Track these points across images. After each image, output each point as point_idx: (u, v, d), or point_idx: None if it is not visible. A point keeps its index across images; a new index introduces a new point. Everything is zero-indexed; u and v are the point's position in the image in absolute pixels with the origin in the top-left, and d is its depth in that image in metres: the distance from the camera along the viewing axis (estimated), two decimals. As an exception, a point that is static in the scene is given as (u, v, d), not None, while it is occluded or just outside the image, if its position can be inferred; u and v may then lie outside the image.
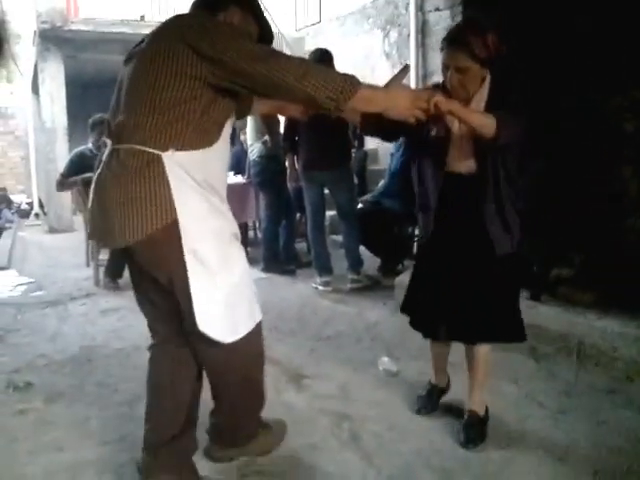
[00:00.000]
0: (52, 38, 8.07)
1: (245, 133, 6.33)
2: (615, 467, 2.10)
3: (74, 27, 7.95)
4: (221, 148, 1.81)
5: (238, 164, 5.93)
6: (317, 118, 2.20)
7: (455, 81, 2.12)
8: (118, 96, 1.86)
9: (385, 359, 3.05)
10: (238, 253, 1.88)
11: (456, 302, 2.28)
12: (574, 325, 3.01)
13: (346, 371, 2.99)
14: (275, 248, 5.17)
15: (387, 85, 1.93)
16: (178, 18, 1.82)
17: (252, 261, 5.58)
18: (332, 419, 2.48)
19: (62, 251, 6.66)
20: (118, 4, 8.29)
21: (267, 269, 5.09)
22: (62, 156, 7.82)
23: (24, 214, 10.23)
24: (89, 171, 4.92)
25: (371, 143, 6.99)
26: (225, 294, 1.79)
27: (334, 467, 2.14)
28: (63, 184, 5.19)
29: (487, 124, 2.01)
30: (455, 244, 2.27)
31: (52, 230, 8.48)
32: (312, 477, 2.09)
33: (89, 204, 1.87)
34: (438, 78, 6.14)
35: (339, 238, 4.85)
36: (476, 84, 2.14)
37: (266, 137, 5.00)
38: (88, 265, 5.36)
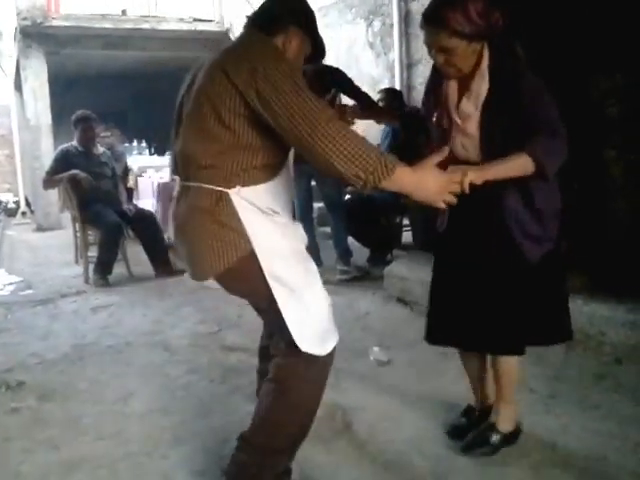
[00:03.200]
0: (33, 35, 8.00)
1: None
2: (606, 451, 2.12)
3: (55, 23, 7.89)
4: (283, 178, 1.83)
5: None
6: None
7: (442, 61, 1.89)
8: (177, 126, 1.86)
9: (376, 349, 3.08)
10: (314, 269, 1.88)
11: (474, 308, 2.03)
12: (562, 310, 3.05)
13: (337, 361, 2.93)
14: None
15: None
16: (244, 52, 1.71)
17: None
18: (325, 409, 2.47)
19: (50, 249, 6.64)
20: (99, -1, 8.22)
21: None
22: (47, 153, 7.78)
23: (11, 213, 10.16)
24: (74, 168, 4.95)
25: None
26: (315, 310, 1.81)
27: (328, 457, 2.16)
28: (49, 182, 5.16)
29: (521, 167, 1.81)
30: (472, 243, 2.04)
31: (40, 228, 8.44)
32: (306, 467, 2.10)
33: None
34: (423, 67, 6.22)
35: (328, 230, 4.86)
36: (468, 60, 1.89)
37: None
38: (77, 262, 5.34)
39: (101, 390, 2.79)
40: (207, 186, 1.74)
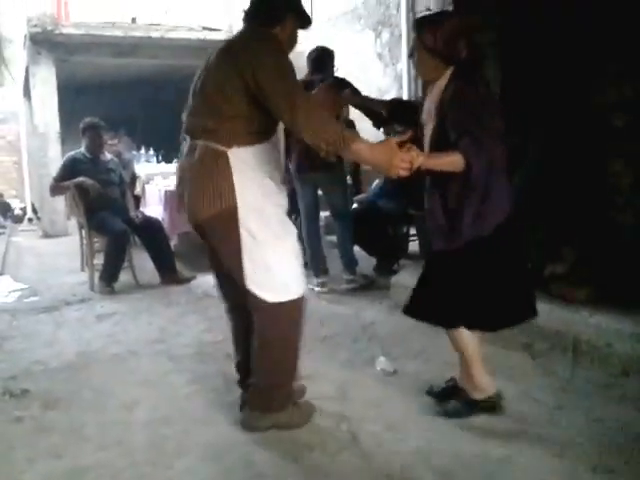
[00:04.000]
0: (43, 42, 8.04)
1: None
2: (613, 463, 2.10)
3: (65, 31, 7.92)
4: (272, 142, 2.28)
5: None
6: None
7: (414, 60, 2.39)
8: (192, 98, 2.31)
9: (382, 359, 3.06)
10: (290, 231, 2.33)
11: (430, 287, 2.43)
12: (569, 322, 3.02)
13: (344, 371, 2.99)
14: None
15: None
16: (246, 43, 2.20)
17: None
18: (330, 420, 2.49)
19: (56, 256, 6.64)
20: (109, 7, 8.26)
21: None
22: (55, 160, 7.79)
23: (17, 219, 10.20)
24: (82, 175, 4.97)
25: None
26: (275, 262, 2.23)
27: (333, 468, 2.14)
28: (56, 189, 5.17)
29: (455, 163, 2.18)
30: None
31: (46, 235, 8.45)
32: (312, 478, 2.09)
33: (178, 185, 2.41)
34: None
35: (334, 238, 4.86)
36: (428, 71, 2.33)
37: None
38: (83, 270, 5.34)
39: (105, 398, 2.78)
40: (211, 145, 2.19)
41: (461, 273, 2.31)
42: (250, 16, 2.31)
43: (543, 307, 3.14)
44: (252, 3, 2.32)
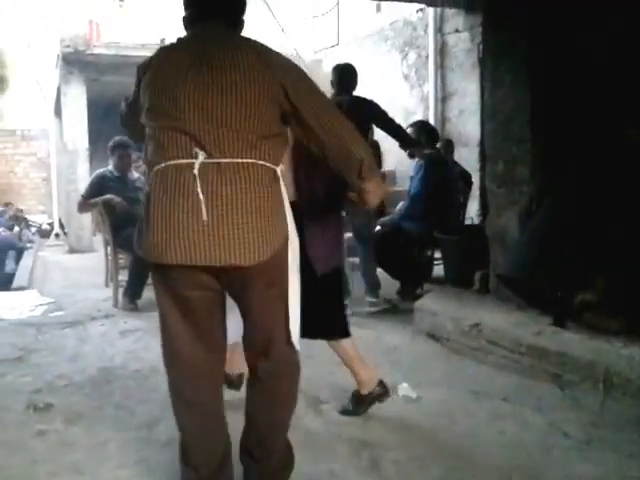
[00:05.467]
0: (75, 62, 8.25)
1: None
2: (646, 501, 2.03)
3: (96, 51, 8.13)
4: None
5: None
6: None
7: None
8: (188, 102, 1.77)
9: (404, 385, 3.00)
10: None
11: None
12: (600, 352, 2.94)
13: None
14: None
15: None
16: (274, 54, 1.86)
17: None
18: (351, 446, 2.44)
19: (82, 271, 6.71)
20: (139, 28, 8.46)
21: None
22: (83, 177, 7.93)
23: (45, 234, 10.37)
24: (109, 192, 5.03)
25: (389, 164, 6.99)
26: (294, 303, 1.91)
27: (354, 496, 2.10)
28: (84, 206, 5.25)
29: None
30: None
31: (72, 250, 8.56)
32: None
33: (181, 220, 1.73)
34: (458, 99, 6.23)
35: (357, 260, 4.83)
36: None
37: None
38: (107, 285, 5.38)
39: (126, 415, 2.78)
40: (262, 163, 1.77)
41: (328, 289, 2.56)
42: (221, 17, 1.89)
43: (573, 337, 3.10)
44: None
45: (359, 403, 2.73)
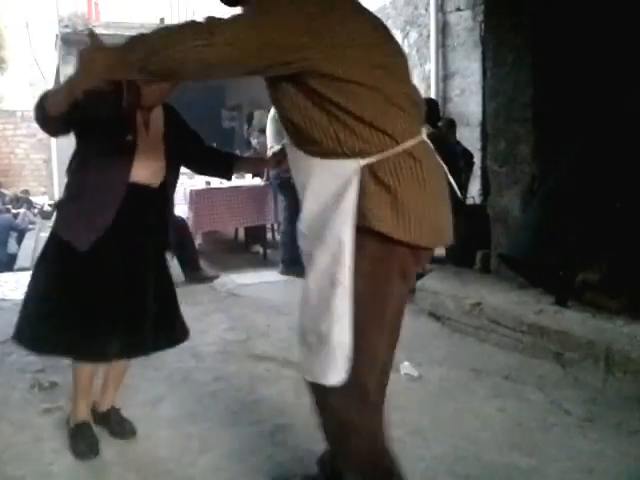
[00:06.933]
0: (74, 42, 8.17)
1: (255, 136, 6.32)
2: (645, 477, 2.05)
3: (95, 31, 8.05)
4: None
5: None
6: None
7: None
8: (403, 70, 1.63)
9: (406, 363, 3.02)
10: None
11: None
12: (601, 331, 2.95)
13: None
14: (294, 250, 5.08)
15: None
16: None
17: (271, 263, 5.59)
18: (354, 423, 2.46)
19: (83, 252, 6.71)
20: (138, 8, 8.38)
21: (286, 271, 5.08)
22: (83, 158, 7.91)
23: (46, 215, 10.37)
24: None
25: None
26: None
27: (357, 472, 2.12)
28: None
29: None
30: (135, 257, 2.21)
31: (73, 231, 8.56)
32: (335, 482, 2.06)
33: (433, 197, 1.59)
34: (459, 79, 6.17)
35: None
36: None
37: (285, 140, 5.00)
38: (109, 266, 5.38)
39: (131, 394, 2.78)
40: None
41: None
42: None
43: (575, 315, 3.11)
44: None
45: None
